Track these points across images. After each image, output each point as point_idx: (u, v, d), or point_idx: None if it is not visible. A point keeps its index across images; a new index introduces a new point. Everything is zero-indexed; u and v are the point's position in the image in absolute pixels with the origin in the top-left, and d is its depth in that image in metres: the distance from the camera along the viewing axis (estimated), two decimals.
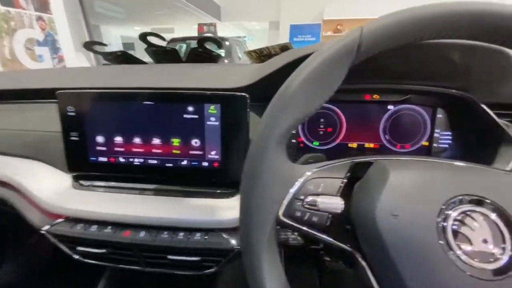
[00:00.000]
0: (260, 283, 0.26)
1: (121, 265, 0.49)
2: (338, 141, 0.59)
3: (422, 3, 0.26)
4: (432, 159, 0.30)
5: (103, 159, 0.52)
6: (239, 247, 0.45)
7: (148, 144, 0.50)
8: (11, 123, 0.58)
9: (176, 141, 0.49)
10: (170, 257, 0.45)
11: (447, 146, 0.55)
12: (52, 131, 0.56)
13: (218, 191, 0.50)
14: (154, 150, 0.50)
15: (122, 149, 0.51)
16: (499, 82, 0.45)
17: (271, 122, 0.28)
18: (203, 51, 0.86)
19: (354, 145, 0.59)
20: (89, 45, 0.86)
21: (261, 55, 0.92)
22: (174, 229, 0.46)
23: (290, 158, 0.35)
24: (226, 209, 0.46)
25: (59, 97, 0.50)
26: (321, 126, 0.59)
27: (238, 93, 0.46)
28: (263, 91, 0.50)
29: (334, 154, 0.60)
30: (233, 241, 0.45)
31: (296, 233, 0.45)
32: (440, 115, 0.54)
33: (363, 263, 0.28)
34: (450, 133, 0.55)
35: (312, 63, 0.27)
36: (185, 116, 0.48)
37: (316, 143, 0.60)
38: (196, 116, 0.48)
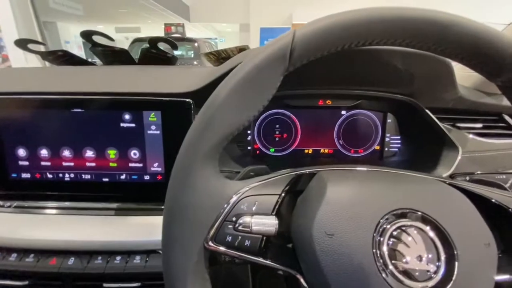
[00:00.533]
0: None
1: None
2: (294, 147, 0.58)
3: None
4: (374, 168, 0.29)
5: (26, 175, 0.45)
6: None
7: (80, 157, 0.44)
8: None
9: (112, 153, 0.44)
10: (105, 285, 0.40)
11: (397, 150, 0.56)
12: None
13: (162, 206, 0.46)
14: (87, 164, 0.44)
15: (48, 164, 0.44)
16: (440, 88, 0.46)
17: (197, 135, 0.24)
18: (157, 52, 0.81)
19: (309, 151, 0.58)
20: (22, 43, 0.77)
21: (219, 58, 0.89)
22: (110, 252, 0.41)
23: (244, 166, 0.32)
24: None
25: None
26: (277, 132, 0.57)
27: (181, 99, 0.42)
28: None
29: (290, 161, 0.58)
30: None
31: None
32: (390, 120, 0.55)
33: (305, 285, 0.26)
34: (399, 137, 0.56)
35: (241, 70, 0.24)
36: (121, 125, 0.43)
37: (272, 149, 0.58)
38: (133, 125, 0.43)
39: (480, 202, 0.27)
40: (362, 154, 0.57)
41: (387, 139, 0.56)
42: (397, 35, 0.23)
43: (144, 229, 0.42)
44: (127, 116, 0.43)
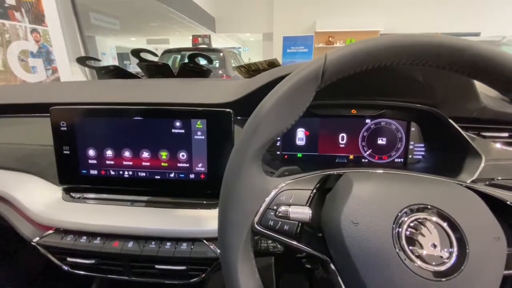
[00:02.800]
0: (236, 287, 0.28)
1: (109, 276, 0.50)
2: (319, 152, 0.62)
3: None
4: (395, 171, 0.34)
5: (93, 172, 0.54)
6: None
7: (137, 157, 0.52)
8: (5, 137, 0.60)
9: (164, 155, 0.52)
10: (157, 266, 0.47)
11: (420, 157, 0.59)
12: (44, 144, 0.58)
13: (205, 202, 0.52)
14: (143, 163, 0.52)
15: (112, 162, 0.53)
16: (462, 99, 0.49)
17: (246, 140, 0.30)
18: (194, 66, 0.90)
19: (335, 157, 0.62)
20: (82, 60, 0.89)
21: (249, 70, 0.96)
22: (161, 239, 0.48)
23: (275, 169, 0.37)
24: (211, 219, 0.48)
25: (52, 113, 0.52)
26: (304, 139, 0.62)
27: (223, 109, 0.49)
28: (248, 106, 0.53)
29: (316, 165, 0.63)
30: (219, 251, 0.47)
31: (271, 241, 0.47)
32: (413, 128, 0.58)
33: (333, 268, 0.30)
34: (423, 145, 0.58)
35: (282, 87, 0.30)
36: (173, 130, 0.50)
37: (299, 154, 0.63)
38: (183, 131, 0.50)
39: (496, 204, 0.30)
40: (386, 160, 0.60)
41: (411, 147, 0.59)
42: (414, 58, 0.28)
43: (189, 220, 0.49)
44: (177, 124, 0.50)
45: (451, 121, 0.51)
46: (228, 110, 0.49)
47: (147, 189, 0.54)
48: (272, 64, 0.87)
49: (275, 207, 0.31)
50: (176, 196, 0.54)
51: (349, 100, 0.56)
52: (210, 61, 0.91)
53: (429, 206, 0.28)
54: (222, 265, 0.30)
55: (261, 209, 0.30)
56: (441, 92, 0.48)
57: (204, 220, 0.48)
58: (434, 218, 0.27)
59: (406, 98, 0.53)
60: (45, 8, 2.35)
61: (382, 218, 0.27)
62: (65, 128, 0.52)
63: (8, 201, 0.53)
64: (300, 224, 0.31)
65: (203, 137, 0.50)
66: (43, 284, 0.74)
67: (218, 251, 0.47)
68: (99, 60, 0.93)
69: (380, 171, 0.33)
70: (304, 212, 0.30)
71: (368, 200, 0.29)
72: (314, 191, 0.32)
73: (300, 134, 0.62)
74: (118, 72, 0.93)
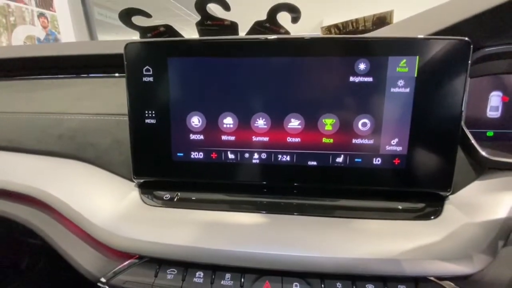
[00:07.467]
0: None
1: None
2: None
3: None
4: None
5: (197, 155, 0.31)
6: None
7: (279, 128, 0.30)
8: (39, 105, 0.37)
9: (329, 123, 0.29)
10: None
11: None
12: (103, 113, 0.35)
13: (400, 206, 0.30)
14: (289, 139, 0.30)
15: (232, 138, 0.30)
16: None
17: None
18: (271, 26, 0.68)
19: None
20: (125, 17, 0.67)
21: (341, 32, 0.75)
22: (350, 277, 0.26)
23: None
24: (428, 237, 0.26)
25: (127, 51, 0.30)
26: (501, 108, 0.40)
27: (455, 38, 0.27)
28: None
29: None
30: None
31: None
32: None
33: None
34: None
35: None
36: (351, 79, 0.28)
37: (490, 133, 0.41)
38: (370, 79, 0.28)
39: None
40: None
41: None
42: None
43: (387, 240, 0.26)
44: (362, 66, 0.28)
45: None
46: (466, 39, 0.27)
47: (293, 184, 0.31)
48: (382, 19, 0.65)
49: None
50: (343, 197, 0.31)
51: None
52: (296, 18, 0.69)
53: None
54: None
55: None
56: None
57: (415, 241, 0.26)
58: None
59: None
60: None
61: None
62: (150, 78, 0.30)
63: (49, 206, 0.31)
64: None
65: (407, 89, 0.28)
66: None
67: None
68: (149, 16, 0.70)
69: None
70: None
71: None
72: None
73: (495, 101, 0.40)
74: (169, 36, 0.71)
